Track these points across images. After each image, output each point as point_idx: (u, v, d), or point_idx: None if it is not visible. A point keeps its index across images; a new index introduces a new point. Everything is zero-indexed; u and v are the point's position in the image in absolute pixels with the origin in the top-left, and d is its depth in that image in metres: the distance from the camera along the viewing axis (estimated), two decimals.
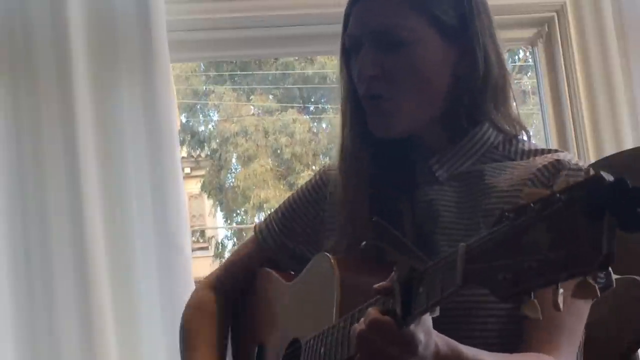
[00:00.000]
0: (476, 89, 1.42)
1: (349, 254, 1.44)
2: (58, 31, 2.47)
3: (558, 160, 1.36)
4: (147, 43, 2.51)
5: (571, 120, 2.83)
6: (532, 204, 0.88)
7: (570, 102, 2.83)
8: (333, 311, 1.35)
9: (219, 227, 11.46)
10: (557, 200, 0.85)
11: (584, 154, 2.77)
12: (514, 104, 1.47)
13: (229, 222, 11.27)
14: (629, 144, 2.69)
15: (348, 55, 1.49)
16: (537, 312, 0.89)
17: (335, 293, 1.36)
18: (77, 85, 2.45)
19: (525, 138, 1.48)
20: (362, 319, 1.15)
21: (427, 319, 1.11)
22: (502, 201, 1.36)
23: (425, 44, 1.41)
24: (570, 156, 1.40)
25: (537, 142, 1.54)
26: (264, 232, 1.67)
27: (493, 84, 1.43)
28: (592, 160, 2.66)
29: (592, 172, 0.85)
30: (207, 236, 11.34)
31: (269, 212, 1.71)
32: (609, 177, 0.83)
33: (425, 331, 1.11)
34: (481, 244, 0.95)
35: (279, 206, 1.69)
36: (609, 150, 2.65)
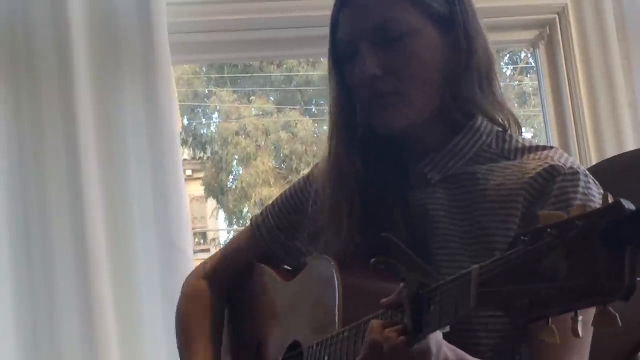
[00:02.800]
0: (465, 73, 1.41)
1: (341, 258, 1.43)
2: (59, 32, 2.47)
3: (552, 166, 1.35)
4: (148, 45, 2.51)
5: (572, 121, 2.82)
6: (548, 229, 0.86)
7: (572, 104, 2.82)
8: (335, 316, 1.34)
9: (220, 230, 11.44)
10: (574, 227, 0.84)
11: (585, 155, 2.76)
12: (499, 88, 1.46)
13: (233, 222, 11.25)
14: (630, 146, 2.69)
15: (338, 60, 1.47)
16: (554, 337, 0.88)
17: (336, 298, 1.36)
18: (78, 86, 2.45)
19: (516, 129, 1.46)
20: (370, 332, 1.15)
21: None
22: (496, 212, 1.35)
23: (421, 33, 1.41)
24: (564, 157, 1.38)
25: None
26: (260, 226, 1.67)
27: (480, 68, 1.43)
28: (594, 161, 2.66)
29: (610, 199, 0.83)
30: (208, 238, 11.33)
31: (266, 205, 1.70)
32: (629, 206, 0.81)
33: (436, 343, 1.12)
34: (496, 266, 0.94)
35: (276, 199, 1.68)
36: (610, 151, 2.65)
